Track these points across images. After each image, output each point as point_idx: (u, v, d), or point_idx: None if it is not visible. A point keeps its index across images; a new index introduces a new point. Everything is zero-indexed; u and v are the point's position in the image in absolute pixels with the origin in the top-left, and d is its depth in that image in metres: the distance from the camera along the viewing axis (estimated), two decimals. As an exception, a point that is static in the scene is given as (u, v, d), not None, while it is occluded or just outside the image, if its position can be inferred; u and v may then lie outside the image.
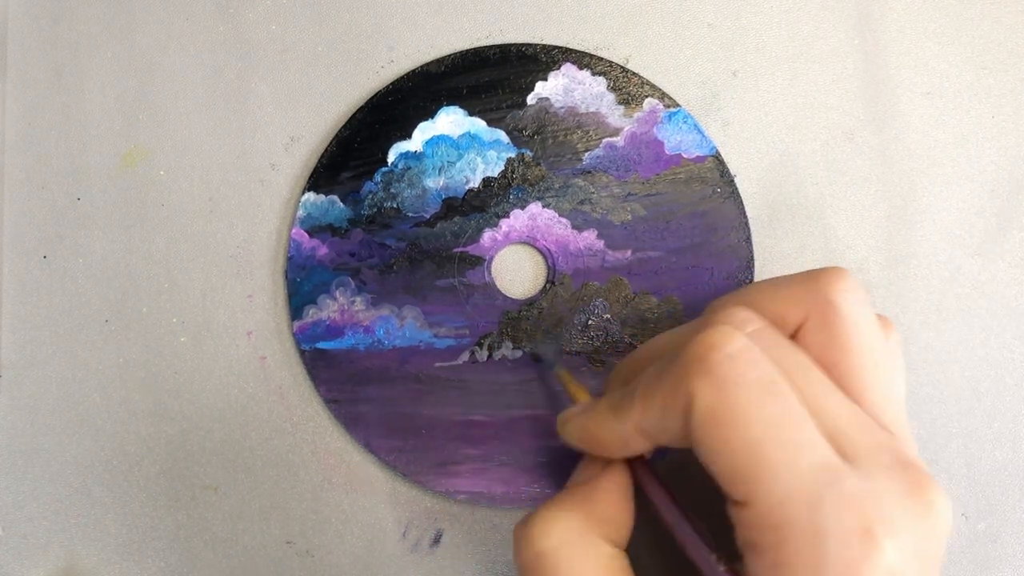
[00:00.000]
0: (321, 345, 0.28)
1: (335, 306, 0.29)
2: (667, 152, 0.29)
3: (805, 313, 0.21)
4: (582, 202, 0.29)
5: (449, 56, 0.29)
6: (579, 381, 0.26)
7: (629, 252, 0.28)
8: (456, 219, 0.29)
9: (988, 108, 0.30)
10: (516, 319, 0.28)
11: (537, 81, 0.29)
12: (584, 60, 0.29)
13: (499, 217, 0.29)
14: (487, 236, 0.29)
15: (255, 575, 0.28)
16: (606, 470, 0.22)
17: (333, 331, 0.28)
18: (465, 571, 0.28)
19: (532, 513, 0.21)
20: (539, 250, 0.29)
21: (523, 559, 0.21)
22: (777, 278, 0.23)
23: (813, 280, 0.21)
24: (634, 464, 0.22)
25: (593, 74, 0.29)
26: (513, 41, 0.30)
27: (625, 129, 0.29)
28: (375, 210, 0.29)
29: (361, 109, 0.29)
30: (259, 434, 0.29)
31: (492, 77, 0.29)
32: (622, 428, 0.21)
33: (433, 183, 0.29)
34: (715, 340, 0.18)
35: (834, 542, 0.17)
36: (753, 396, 0.18)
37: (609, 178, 0.29)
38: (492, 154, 0.29)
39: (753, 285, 0.23)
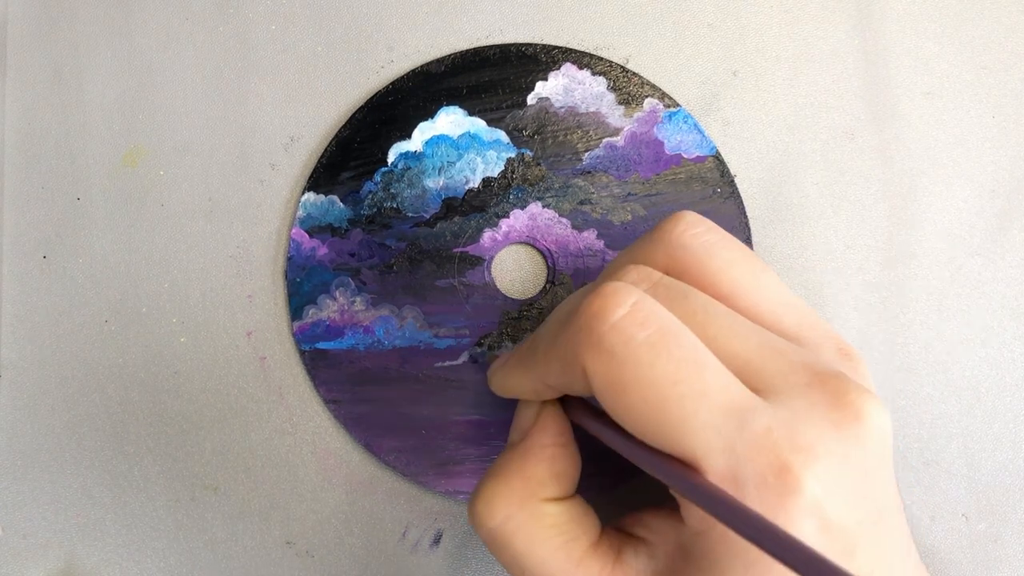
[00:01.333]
0: (321, 345, 0.28)
1: (335, 306, 0.29)
2: (667, 152, 0.29)
3: (664, 265, 0.21)
4: (582, 202, 0.29)
5: (449, 56, 0.29)
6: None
7: (629, 252, 0.28)
8: (456, 219, 0.29)
9: (988, 108, 0.30)
10: (516, 319, 0.28)
11: (537, 81, 0.29)
12: (584, 60, 0.29)
13: (499, 217, 0.29)
14: (487, 236, 0.29)
15: (255, 575, 0.28)
16: (538, 423, 0.22)
17: (333, 331, 0.28)
18: (465, 571, 0.28)
19: (476, 490, 0.21)
20: (539, 250, 0.29)
21: (481, 536, 0.21)
22: (634, 243, 0.23)
23: (658, 231, 0.21)
24: (568, 403, 0.22)
25: (593, 74, 0.29)
26: (513, 41, 0.30)
27: (625, 129, 0.29)
28: (375, 210, 0.29)
29: (361, 109, 0.29)
30: (259, 434, 0.29)
31: (492, 77, 0.29)
32: (531, 382, 0.21)
33: (433, 183, 0.29)
34: (599, 307, 0.18)
35: (753, 487, 0.16)
36: (644, 358, 0.17)
37: (609, 178, 0.29)
38: (492, 154, 0.29)
39: (619, 254, 0.23)
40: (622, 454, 0.20)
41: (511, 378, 0.22)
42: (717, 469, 0.17)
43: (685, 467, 0.17)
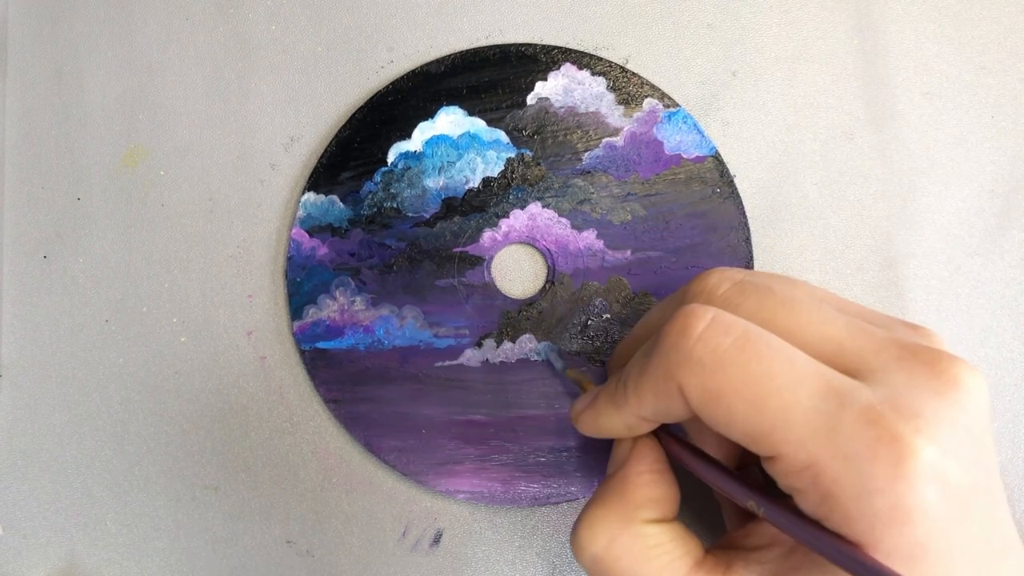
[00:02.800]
0: (321, 345, 0.28)
1: (335, 306, 0.29)
2: (667, 152, 0.29)
3: None
4: (582, 202, 0.29)
5: (449, 56, 0.29)
6: (587, 375, 0.26)
7: (629, 252, 0.28)
8: (456, 219, 0.29)
9: (988, 108, 0.30)
10: (516, 319, 0.28)
11: (537, 81, 0.29)
12: (584, 60, 0.29)
13: (499, 217, 0.29)
14: (487, 236, 0.29)
15: (255, 575, 0.28)
16: (633, 452, 0.22)
17: (333, 331, 0.28)
18: (465, 571, 0.28)
19: (578, 519, 0.22)
20: (539, 250, 0.29)
21: (584, 564, 0.21)
22: (658, 305, 0.24)
23: (681, 296, 0.22)
24: (659, 435, 0.22)
25: (593, 74, 0.29)
26: (513, 41, 0.30)
27: (625, 129, 0.29)
28: (375, 210, 0.29)
29: (361, 109, 0.29)
30: (259, 434, 0.29)
31: (492, 77, 0.29)
32: (624, 419, 0.21)
33: (433, 183, 0.29)
34: (681, 326, 0.19)
35: (865, 459, 0.16)
36: (736, 360, 0.18)
37: (609, 178, 0.29)
38: (492, 154, 0.29)
39: (649, 312, 0.25)
40: (712, 484, 0.20)
41: (602, 418, 0.22)
42: (824, 453, 0.17)
43: (768, 496, 0.18)
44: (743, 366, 0.18)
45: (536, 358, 0.28)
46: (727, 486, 0.20)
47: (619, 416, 0.21)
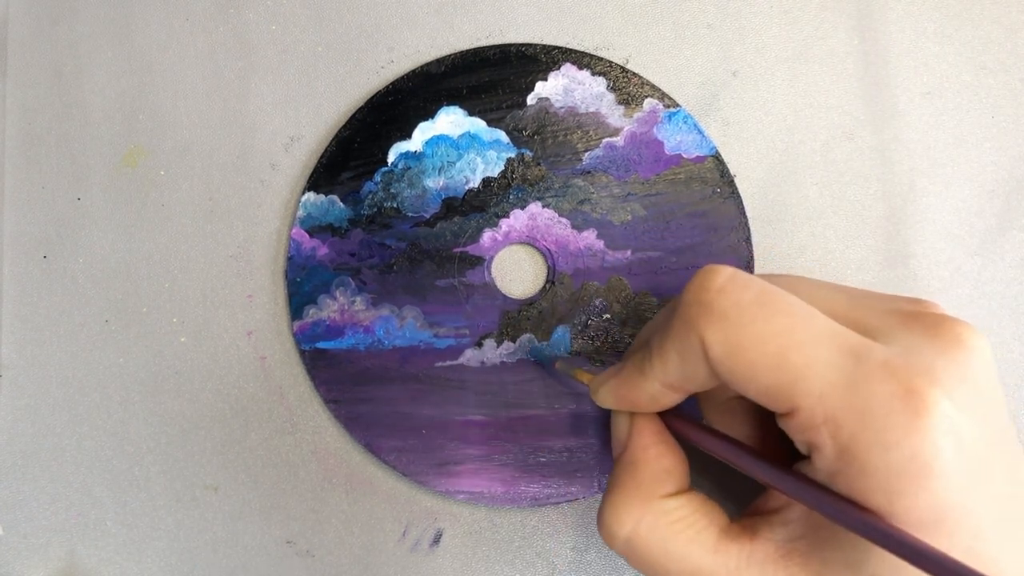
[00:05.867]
0: (321, 345, 0.28)
1: (335, 306, 0.29)
2: (667, 152, 0.29)
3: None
4: (582, 202, 0.29)
5: (449, 56, 0.29)
6: (578, 365, 0.26)
7: (629, 252, 0.28)
8: (456, 219, 0.29)
9: (988, 108, 0.30)
10: (516, 319, 0.28)
11: (537, 81, 0.29)
12: (584, 60, 0.29)
13: (499, 217, 0.29)
14: (487, 236, 0.29)
15: (255, 575, 0.28)
16: (634, 428, 0.22)
17: (333, 331, 0.28)
18: (465, 571, 0.28)
19: (600, 508, 0.22)
20: (539, 250, 0.29)
21: (617, 550, 0.21)
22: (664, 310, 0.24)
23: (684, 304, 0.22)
24: (663, 415, 0.23)
25: (593, 74, 0.29)
26: (513, 41, 0.30)
27: (625, 129, 0.29)
28: (375, 210, 0.29)
29: (361, 109, 0.29)
30: (259, 434, 0.29)
31: (492, 77, 0.29)
32: (651, 386, 0.21)
33: (433, 183, 0.29)
34: (700, 281, 0.19)
35: (882, 413, 0.17)
36: (757, 314, 0.18)
37: (609, 178, 0.29)
38: (492, 154, 0.29)
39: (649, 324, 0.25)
40: (720, 456, 0.20)
41: (625, 386, 0.22)
42: (842, 406, 0.17)
43: (788, 471, 0.18)
44: (766, 320, 0.18)
45: (531, 358, 0.28)
46: (734, 456, 0.20)
47: (645, 382, 0.21)
